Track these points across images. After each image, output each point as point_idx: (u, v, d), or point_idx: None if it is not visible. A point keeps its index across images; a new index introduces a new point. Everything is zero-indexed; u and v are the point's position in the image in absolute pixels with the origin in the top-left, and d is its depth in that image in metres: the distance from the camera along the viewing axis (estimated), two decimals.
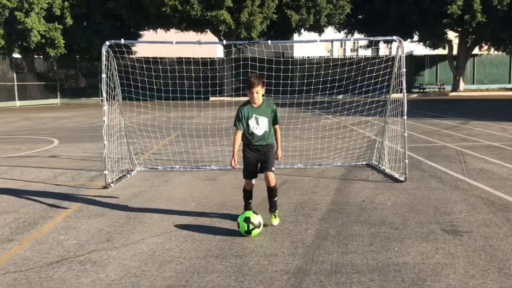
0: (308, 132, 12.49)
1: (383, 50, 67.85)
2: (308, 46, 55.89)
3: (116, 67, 7.51)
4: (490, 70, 42.12)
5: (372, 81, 10.19)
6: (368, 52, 57.57)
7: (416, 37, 39.74)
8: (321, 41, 8.30)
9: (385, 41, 40.80)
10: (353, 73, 12.01)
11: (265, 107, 4.96)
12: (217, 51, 51.48)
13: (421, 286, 3.56)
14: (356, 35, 39.92)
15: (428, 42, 40.18)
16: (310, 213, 5.52)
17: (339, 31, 39.39)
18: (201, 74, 20.87)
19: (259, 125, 4.93)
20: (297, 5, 32.67)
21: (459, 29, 36.21)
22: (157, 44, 8.13)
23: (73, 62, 37.66)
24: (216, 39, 34.41)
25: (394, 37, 7.43)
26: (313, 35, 36.67)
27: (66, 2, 31.26)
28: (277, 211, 5.16)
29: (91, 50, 32.80)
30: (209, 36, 36.30)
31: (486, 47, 40.96)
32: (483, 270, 3.83)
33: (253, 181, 5.13)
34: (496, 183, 6.83)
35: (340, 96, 20.82)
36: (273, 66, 11.40)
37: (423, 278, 3.69)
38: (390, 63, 8.40)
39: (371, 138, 11.32)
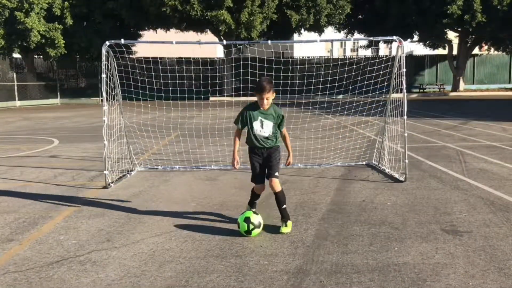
0: (308, 132, 12.49)
1: (383, 50, 67.86)
2: (308, 46, 55.91)
3: (116, 67, 7.51)
4: (490, 70, 42.13)
5: (372, 81, 10.19)
6: (368, 52, 57.60)
7: (416, 37, 39.75)
8: (321, 41, 8.29)
9: (385, 41, 40.82)
10: (353, 73, 12.01)
11: (272, 112, 4.89)
12: (217, 51, 51.49)
13: (421, 286, 3.56)
14: (356, 35, 39.93)
15: (428, 42, 40.19)
16: (310, 213, 5.52)
17: (339, 31, 39.40)
18: (201, 74, 20.86)
19: (263, 128, 4.87)
20: (297, 5, 32.68)
21: (459, 29, 36.23)
22: (157, 44, 8.12)
23: (73, 62, 37.67)
24: (216, 39, 34.42)
25: (394, 37, 7.43)
26: (313, 35, 36.68)
27: (66, 2, 31.27)
28: (289, 221, 4.90)
29: (91, 50, 32.81)
30: (209, 36, 36.31)
31: (486, 47, 40.97)
32: (483, 270, 3.83)
33: (261, 189, 5.03)
34: (496, 183, 6.83)
35: (340, 96, 20.83)
36: (273, 66, 11.39)
37: (423, 278, 3.69)
38: (390, 63, 8.40)
39: (371, 138, 11.32)
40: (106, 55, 7.06)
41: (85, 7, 31.56)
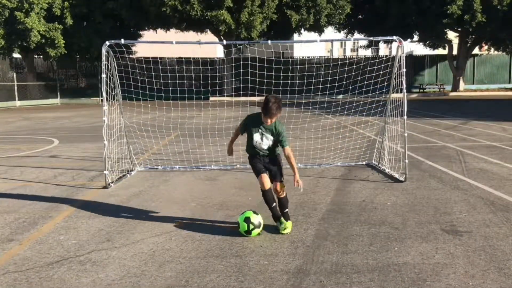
0: (308, 132, 12.49)
1: (383, 50, 67.87)
2: (308, 46, 55.88)
3: (116, 67, 7.51)
4: (490, 70, 42.12)
5: (372, 81, 10.19)
6: (368, 52, 57.56)
7: (416, 37, 39.73)
8: (321, 41, 8.29)
9: (385, 41, 40.80)
10: (353, 73, 12.01)
11: (272, 127, 4.80)
12: (217, 51, 51.47)
13: (421, 286, 3.56)
14: (356, 35, 39.92)
15: (428, 42, 40.16)
16: (310, 213, 5.52)
17: (339, 31, 39.38)
18: (201, 74, 20.87)
19: (263, 141, 4.85)
20: (297, 5, 32.66)
21: (459, 29, 36.22)
22: (157, 44, 8.13)
23: (73, 62, 37.67)
24: (216, 39, 34.41)
25: (394, 37, 7.43)
26: (313, 35, 36.66)
27: (66, 2, 31.25)
28: (289, 221, 4.92)
29: (91, 50, 32.79)
30: (209, 36, 36.30)
31: (486, 47, 40.96)
32: (483, 270, 3.83)
33: (267, 180, 4.81)
34: (496, 183, 6.83)
35: (340, 96, 20.82)
36: (273, 66, 11.40)
37: (423, 278, 3.69)
38: (390, 63, 8.40)
39: (371, 138, 11.32)
40: (106, 55, 7.06)
41: (85, 7, 31.55)
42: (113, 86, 7.59)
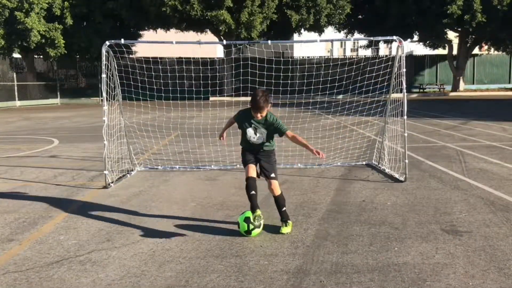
0: (308, 132, 12.48)
1: (383, 50, 67.85)
2: (308, 46, 55.88)
3: (116, 67, 7.51)
4: (490, 70, 42.14)
5: (372, 81, 10.19)
6: (368, 52, 57.55)
7: (416, 37, 39.74)
8: (321, 41, 8.29)
9: (385, 41, 40.81)
10: (353, 73, 12.01)
11: (265, 120, 4.81)
12: (217, 51, 51.47)
13: (421, 286, 3.56)
14: (356, 35, 39.93)
15: (428, 42, 40.18)
16: (310, 213, 5.52)
17: (339, 31, 39.38)
18: (201, 74, 20.86)
19: (257, 135, 4.84)
20: (297, 5, 32.67)
21: (459, 29, 36.23)
22: (157, 44, 8.13)
23: (73, 62, 37.68)
24: (216, 39, 34.42)
25: (394, 37, 7.43)
26: (313, 35, 36.67)
27: (66, 2, 31.26)
28: (289, 221, 4.89)
29: (91, 50, 32.80)
30: (209, 36, 36.30)
31: (486, 47, 40.97)
32: (483, 270, 3.83)
33: (252, 169, 4.77)
34: (496, 183, 6.83)
35: (340, 96, 20.83)
36: (273, 66, 11.40)
37: (423, 278, 3.69)
38: (390, 63, 8.40)
39: (371, 138, 11.32)
40: (106, 55, 7.06)
41: (85, 7, 31.55)
42: (113, 86, 7.59)
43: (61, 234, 4.91)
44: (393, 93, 7.98)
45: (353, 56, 49.34)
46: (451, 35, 39.66)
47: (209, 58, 34.26)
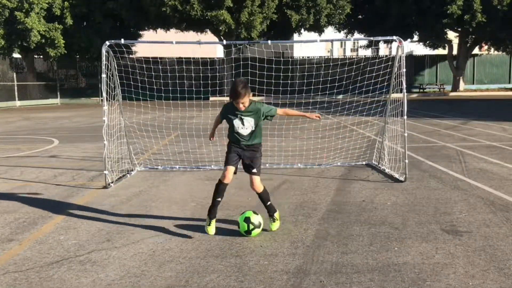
0: (308, 132, 12.49)
1: (383, 50, 67.87)
2: (308, 46, 55.93)
3: (116, 67, 7.51)
4: (490, 70, 42.15)
5: (372, 81, 10.19)
6: (368, 52, 57.59)
7: (416, 37, 39.75)
8: (321, 41, 8.28)
9: (385, 41, 40.82)
10: (353, 73, 12.01)
11: (251, 108, 4.75)
12: (217, 51, 51.49)
13: (421, 286, 3.56)
14: (356, 35, 39.93)
15: (428, 42, 40.19)
16: (310, 213, 5.52)
17: (339, 31, 39.39)
18: (201, 74, 20.86)
19: (245, 125, 4.77)
20: (297, 5, 32.67)
21: (459, 29, 36.23)
22: (157, 44, 8.12)
23: (73, 62, 37.67)
24: (216, 39, 34.42)
25: (394, 37, 7.43)
26: (313, 35, 36.67)
27: (66, 2, 31.26)
28: (276, 213, 4.89)
29: (91, 50, 32.81)
30: (209, 36, 36.30)
31: (486, 47, 40.98)
32: (483, 270, 3.83)
33: (231, 175, 4.78)
34: (496, 183, 6.83)
35: (340, 96, 20.82)
36: (273, 66, 11.40)
37: (423, 278, 3.69)
38: (390, 63, 8.40)
39: (371, 138, 11.32)
40: (106, 55, 7.06)
41: (85, 7, 31.56)
42: (113, 86, 7.59)
43: (61, 234, 4.91)
44: (393, 93, 7.98)
45: (353, 56, 49.34)
46: (451, 35, 39.67)
47: (209, 58, 34.25)
